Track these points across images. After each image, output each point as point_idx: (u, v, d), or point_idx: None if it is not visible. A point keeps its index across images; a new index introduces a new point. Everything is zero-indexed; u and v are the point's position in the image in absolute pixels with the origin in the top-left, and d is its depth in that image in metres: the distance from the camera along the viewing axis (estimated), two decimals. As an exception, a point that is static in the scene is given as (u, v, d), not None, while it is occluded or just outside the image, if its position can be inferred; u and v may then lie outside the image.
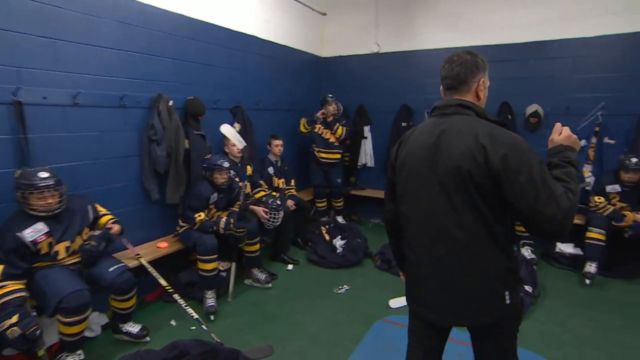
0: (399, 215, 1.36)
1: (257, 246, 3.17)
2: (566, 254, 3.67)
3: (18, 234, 1.93)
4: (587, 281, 3.25)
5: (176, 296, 2.41)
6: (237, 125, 3.68)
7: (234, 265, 2.99)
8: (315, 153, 4.56)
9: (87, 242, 2.19)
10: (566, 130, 1.22)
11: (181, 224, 2.88)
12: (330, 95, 4.42)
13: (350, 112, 4.97)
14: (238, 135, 2.67)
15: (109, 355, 2.28)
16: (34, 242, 1.97)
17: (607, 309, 2.89)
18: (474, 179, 1.12)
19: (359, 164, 5.04)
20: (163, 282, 2.43)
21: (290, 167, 4.23)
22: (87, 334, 2.27)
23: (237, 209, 2.98)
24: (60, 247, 2.09)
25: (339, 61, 5.12)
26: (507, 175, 1.08)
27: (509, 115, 4.01)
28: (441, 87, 1.31)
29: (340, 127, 4.45)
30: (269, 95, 4.22)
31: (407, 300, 1.39)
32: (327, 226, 4.33)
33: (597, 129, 3.68)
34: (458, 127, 1.18)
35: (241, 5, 3.71)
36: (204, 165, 2.87)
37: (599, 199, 3.39)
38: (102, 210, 2.43)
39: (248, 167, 3.60)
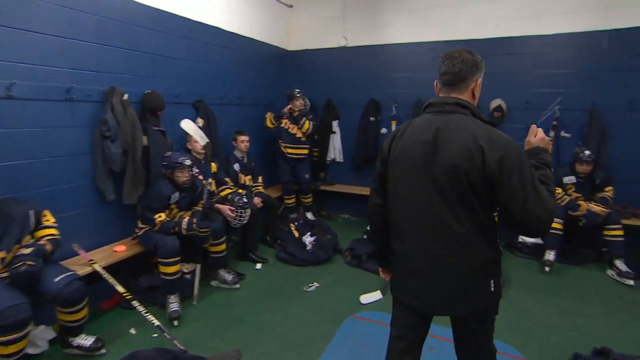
0: (389, 210, 1.36)
1: (223, 246, 3.06)
2: (528, 244, 3.82)
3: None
4: (547, 269, 3.40)
5: (135, 303, 2.26)
6: (200, 120, 3.52)
7: (198, 266, 2.86)
8: (282, 149, 4.47)
9: (21, 262, 1.87)
10: (540, 132, 1.30)
11: (140, 225, 2.72)
12: (297, 90, 4.33)
13: (318, 107, 4.91)
14: (200, 131, 2.53)
15: (58, 373, 2.11)
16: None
17: (565, 295, 3.04)
18: (470, 178, 1.16)
19: (328, 159, 5.00)
20: (120, 289, 2.27)
21: (257, 163, 4.12)
22: (31, 350, 2.08)
23: (201, 208, 2.84)
24: (-7, 259, 1.86)
25: (306, 55, 5.03)
26: (501, 176, 1.13)
27: (473, 110, 4.09)
28: (436, 82, 1.31)
29: (307, 122, 4.37)
30: (233, 90, 4.07)
31: (396, 293, 1.41)
32: (296, 223, 4.27)
33: (554, 123, 3.84)
34: (455, 126, 1.20)
35: (202, -5, 3.54)
36: (164, 163, 2.71)
37: (557, 189, 3.55)
38: (49, 219, 2.16)
39: (212, 164, 3.46)
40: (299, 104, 4.30)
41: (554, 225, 3.41)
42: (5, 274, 1.92)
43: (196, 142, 3.01)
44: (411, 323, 1.40)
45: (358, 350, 2.33)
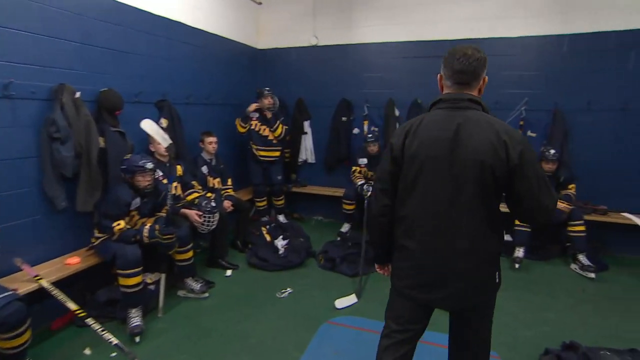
0: (398, 208, 1.34)
1: (190, 253, 2.89)
2: (498, 241, 3.89)
3: None
4: (517, 265, 3.48)
5: (90, 320, 2.06)
6: (163, 121, 3.33)
7: (163, 276, 2.68)
8: (254, 151, 4.33)
9: None
10: None
11: (97, 234, 2.50)
12: (267, 89, 4.21)
13: (289, 107, 4.81)
14: (162, 132, 2.36)
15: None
16: None
17: (536, 290, 3.11)
18: (495, 172, 1.20)
19: (299, 160, 4.91)
20: (72, 306, 2.06)
21: (226, 165, 3.96)
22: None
23: (165, 214, 2.66)
24: None
25: (276, 53, 4.91)
26: (522, 169, 1.19)
27: (443, 110, 4.14)
28: (445, 79, 1.31)
29: (281, 126, 4.28)
30: (200, 88, 3.89)
31: (405, 289, 1.40)
32: (267, 226, 4.14)
33: (521, 122, 3.95)
34: (476, 122, 1.23)
35: (164, -13, 3.34)
36: (123, 166, 2.51)
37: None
38: None
39: (178, 167, 3.28)
40: (267, 102, 4.18)
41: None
42: None
43: (159, 143, 2.82)
44: (413, 317, 1.43)
45: (334, 357, 2.25)
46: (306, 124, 4.85)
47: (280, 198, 4.58)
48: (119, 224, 2.41)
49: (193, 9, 3.71)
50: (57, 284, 2.16)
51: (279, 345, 2.36)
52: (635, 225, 3.50)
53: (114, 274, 2.45)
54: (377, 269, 1.64)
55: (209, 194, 3.58)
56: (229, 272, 3.39)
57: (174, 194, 3.20)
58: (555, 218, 3.47)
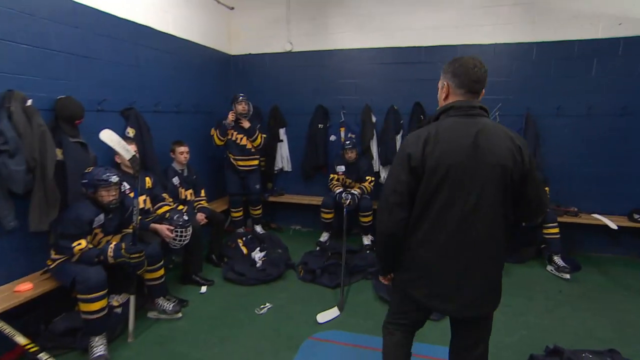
0: (420, 217, 1.31)
1: (161, 272, 2.70)
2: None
3: None
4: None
5: (43, 355, 1.84)
6: (130, 130, 3.13)
7: (132, 298, 2.47)
8: (232, 160, 4.17)
9: None
10: None
11: (53, 256, 2.27)
12: (241, 95, 4.09)
13: (264, 114, 4.69)
14: (123, 143, 2.17)
15: None
16: None
17: (515, 293, 3.12)
18: (513, 176, 1.26)
19: (276, 168, 4.79)
20: (21, 340, 1.84)
21: (199, 175, 3.78)
22: None
23: (132, 230, 2.47)
24: None
25: (249, 59, 4.78)
26: (531, 173, 1.29)
27: (421, 116, 4.16)
28: (455, 88, 1.31)
29: (260, 136, 4.17)
30: (169, 96, 3.71)
31: (420, 297, 1.40)
32: (243, 238, 3.99)
33: (494, 128, 4.01)
34: (492, 128, 1.28)
35: (129, -11, 3.15)
36: (84, 181, 2.30)
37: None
38: None
39: (147, 178, 3.10)
40: (241, 108, 4.05)
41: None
42: None
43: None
44: (421, 320, 1.55)
45: (318, 378, 2.14)
46: (282, 131, 4.74)
47: (258, 208, 4.43)
48: (79, 244, 2.19)
49: (161, 12, 3.54)
50: (5, 315, 1.92)
51: (259, 367, 2.23)
52: (605, 226, 3.64)
53: (74, 298, 2.23)
54: (382, 280, 1.62)
55: (180, 207, 3.40)
56: (204, 289, 3.20)
57: (143, 208, 3.01)
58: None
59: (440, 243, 1.29)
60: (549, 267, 3.59)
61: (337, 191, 4.06)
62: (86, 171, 2.33)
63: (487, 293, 1.35)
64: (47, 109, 2.40)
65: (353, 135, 4.42)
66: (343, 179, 4.24)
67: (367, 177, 4.15)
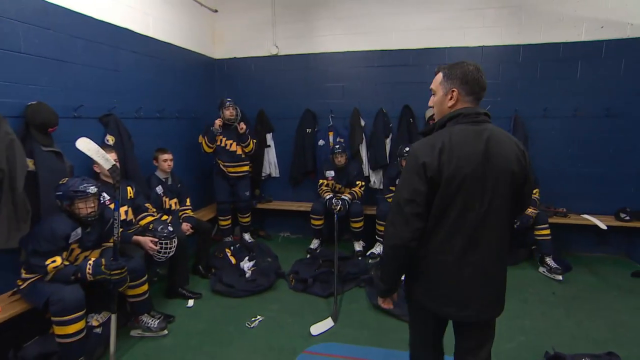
0: (436, 225, 1.29)
1: (145, 287, 2.55)
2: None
3: None
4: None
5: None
6: (110, 137, 2.98)
7: (113, 317, 2.31)
8: (221, 167, 4.04)
9: None
10: None
11: (24, 275, 2.09)
12: (228, 99, 3.97)
13: (250, 119, 4.56)
14: (102, 152, 2.03)
15: None
16: None
17: (509, 296, 2.99)
18: (518, 180, 1.30)
19: (263, 174, 4.67)
20: (-10, 371, 1.67)
21: (184, 183, 3.63)
22: None
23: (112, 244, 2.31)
24: None
25: (234, 63, 4.67)
26: (530, 175, 1.34)
27: (410, 119, 4.12)
28: (465, 95, 1.30)
29: (252, 142, 4.07)
30: (151, 101, 3.55)
31: (437, 307, 1.38)
32: (232, 247, 3.85)
33: (483, 130, 4.01)
34: (499, 135, 1.29)
35: (106, -10, 3.00)
36: (58, 193, 2.14)
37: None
38: None
39: (129, 188, 2.94)
40: (229, 113, 3.94)
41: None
42: None
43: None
44: (440, 330, 1.50)
45: (314, 395, 2.03)
46: (269, 136, 4.63)
47: (247, 215, 4.31)
48: (53, 261, 2.03)
49: (141, 14, 3.39)
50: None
51: (251, 386, 2.11)
52: (593, 226, 3.66)
53: (49, 320, 2.06)
54: (382, 304, 1.54)
55: (165, 217, 3.25)
56: (190, 302, 3.05)
57: (125, 219, 2.85)
58: (523, 223, 3.52)
59: (458, 249, 1.29)
60: (541, 269, 3.58)
61: (327, 197, 3.98)
62: (61, 182, 2.17)
63: (498, 295, 1.38)
64: (16, 116, 2.23)
65: (342, 140, 4.35)
66: (332, 184, 4.15)
67: (357, 182, 4.08)
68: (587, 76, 3.78)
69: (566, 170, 3.98)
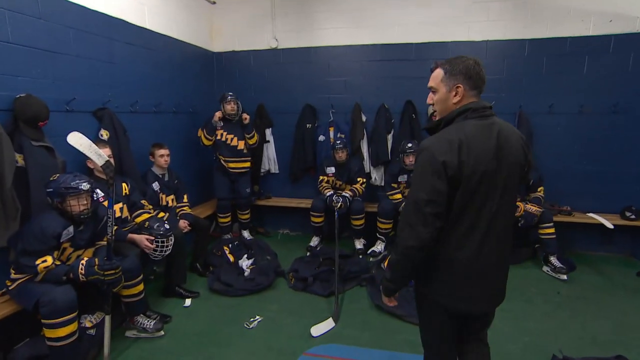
0: (455, 222, 1.27)
1: (140, 287, 2.46)
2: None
3: None
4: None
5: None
6: (104, 132, 2.89)
7: (107, 318, 2.23)
8: (222, 162, 3.96)
9: None
10: None
11: (13, 276, 2.01)
12: (230, 94, 3.89)
13: (250, 113, 4.44)
14: (95, 147, 1.94)
15: None
16: None
17: (512, 297, 2.99)
18: (522, 172, 1.33)
19: (262, 170, 4.58)
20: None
21: (182, 179, 3.55)
22: None
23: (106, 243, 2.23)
24: None
25: (233, 57, 4.56)
26: (531, 160, 1.41)
27: (413, 114, 4.03)
28: (470, 90, 1.29)
29: (256, 134, 4.00)
30: (148, 95, 3.46)
31: (454, 303, 1.36)
32: (230, 245, 3.77)
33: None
34: (506, 128, 1.30)
35: (100, -21, 2.89)
36: (49, 190, 2.05)
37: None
38: None
39: (124, 184, 2.85)
40: (230, 108, 3.85)
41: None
42: None
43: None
44: (454, 329, 1.46)
45: (315, 400, 1.97)
46: (268, 131, 4.54)
47: (246, 212, 4.23)
48: (44, 261, 1.95)
49: (136, 5, 3.28)
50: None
51: (250, 390, 2.04)
52: (597, 224, 3.59)
53: (40, 321, 1.98)
54: (388, 302, 1.52)
55: (161, 214, 3.17)
56: (188, 302, 2.98)
57: (120, 217, 2.76)
58: (528, 221, 3.45)
59: (475, 245, 1.28)
60: (545, 268, 3.52)
61: (328, 194, 3.90)
62: (52, 179, 2.08)
63: (504, 286, 1.43)
64: (4, 109, 2.14)
65: (342, 135, 4.27)
66: (333, 180, 4.07)
67: (358, 179, 4.00)
68: (594, 72, 3.70)
69: (571, 168, 3.91)
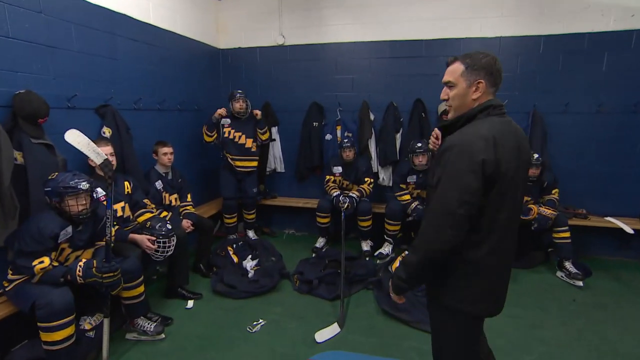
0: (489, 226, 1.22)
1: (141, 288, 2.41)
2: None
3: None
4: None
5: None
6: (106, 130, 2.84)
7: (106, 321, 2.17)
8: (229, 161, 3.90)
9: None
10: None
11: (10, 277, 1.96)
12: (239, 91, 3.83)
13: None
14: (93, 145, 1.87)
15: None
16: None
17: (525, 304, 2.92)
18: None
19: (268, 169, 4.51)
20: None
21: (186, 178, 3.49)
22: None
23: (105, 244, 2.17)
24: None
25: (239, 54, 4.49)
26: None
27: (422, 113, 3.92)
28: (490, 87, 1.26)
29: (268, 131, 3.95)
30: (152, 92, 3.40)
31: (484, 310, 1.33)
32: (234, 245, 3.71)
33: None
34: (517, 127, 1.30)
35: (104, -26, 2.83)
36: (47, 189, 2.00)
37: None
38: None
39: (126, 183, 2.80)
40: (238, 106, 3.79)
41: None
42: None
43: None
44: (481, 330, 1.47)
45: (319, 411, 1.89)
46: (274, 130, 4.46)
47: (252, 212, 4.16)
48: (41, 262, 1.89)
49: (142, 0, 3.22)
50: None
51: (252, 398, 1.96)
52: (615, 228, 3.45)
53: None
54: (397, 299, 1.45)
55: (164, 213, 3.11)
56: (190, 304, 2.92)
57: (122, 216, 2.71)
58: (542, 225, 3.33)
59: (500, 244, 1.26)
60: (559, 273, 3.39)
61: (334, 194, 3.81)
62: (50, 177, 2.02)
63: None
64: (3, 106, 2.09)
65: (350, 134, 4.17)
66: (340, 180, 3.98)
67: (365, 179, 3.90)
68: (614, 69, 3.54)
69: (587, 169, 3.76)
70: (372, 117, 4.12)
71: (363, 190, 3.85)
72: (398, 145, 4.07)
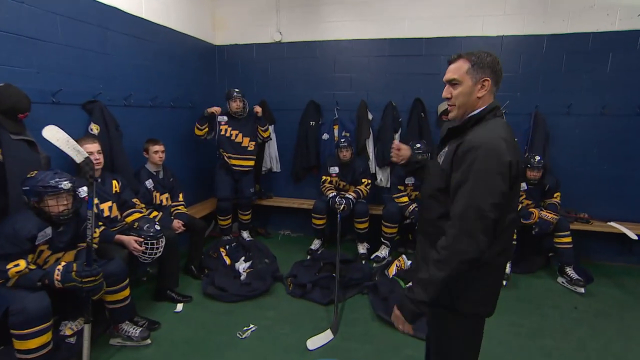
0: (500, 229, 1.18)
1: (126, 292, 2.30)
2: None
3: None
4: (504, 282, 3.18)
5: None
6: (94, 126, 2.74)
7: (87, 327, 2.07)
8: (226, 159, 3.80)
9: None
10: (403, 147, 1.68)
11: (-16, 280, 1.86)
12: (236, 90, 3.75)
13: (251, 110, 4.29)
14: (73, 142, 1.78)
15: None
16: None
17: (525, 311, 2.83)
18: None
19: (264, 168, 4.41)
20: None
21: (178, 177, 3.39)
22: None
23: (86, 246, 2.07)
24: None
25: (235, 50, 4.39)
26: None
27: (422, 113, 3.82)
28: (493, 86, 1.24)
29: (269, 128, 3.89)
30: (143, 88, 3.30)
31: (489, 308, 1.30)
32: (227, 247, 3.61)
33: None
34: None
35: (92, -36, 2.73)
36: (25, 188, 1.90)
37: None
38: None
39: (114, 182, 2.70)
40: (235, 105, 3.72)
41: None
42: None
43: (91, 154, 2.24)
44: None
45: None
46: (270, 128, 4.35)
47: (248, 213, 4.06)
48: (17, 265, 1.79)
49: (132, -7, 3.13)
50: None
51: (238, 410, 1.87)
52: (617, 233, 3.36)
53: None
54: (406, 329, 1.36)
55: (154, 213, 3.01)
56: (179, 307, 2.82)
57: (109, 216, 2.62)
58: (543, 229, 3.24)
59: (509, 247, 1.28)
60: (561, 279, 3.30)
61: (330, 195, 3.71)
62: (29, 176, 1.93)
63: None
64: (-20, 100, 1.99)
65: (347, 134, 4.08)
66: (336, 181, 3.89)
67: (363, 180, 3.81)
68: (619, 70, 3.44)
69: (589, 173, 3.67)
70: (370, 116, 4.03)
71: (360, 192, 3.76)
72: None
